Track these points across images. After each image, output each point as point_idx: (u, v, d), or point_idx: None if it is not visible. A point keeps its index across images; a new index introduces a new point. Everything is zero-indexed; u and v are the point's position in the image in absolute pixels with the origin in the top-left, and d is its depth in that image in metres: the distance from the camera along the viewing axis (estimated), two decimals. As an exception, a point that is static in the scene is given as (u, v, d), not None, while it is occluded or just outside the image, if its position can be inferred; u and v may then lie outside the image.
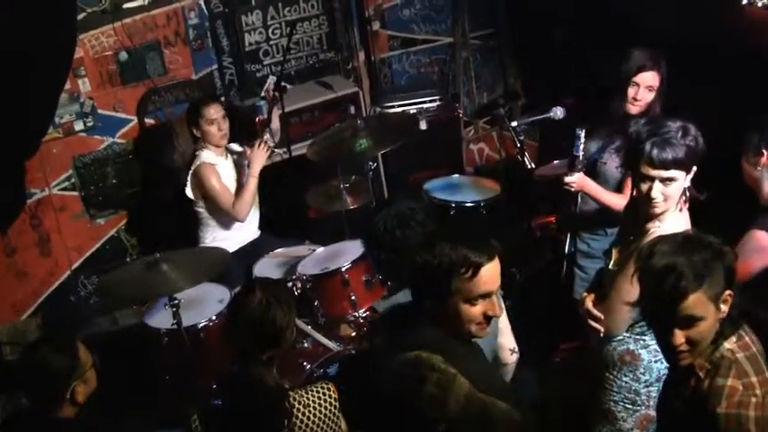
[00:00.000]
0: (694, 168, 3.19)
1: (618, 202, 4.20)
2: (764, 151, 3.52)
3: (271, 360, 3.13)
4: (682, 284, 2.42)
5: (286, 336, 3.14)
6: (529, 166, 4.74)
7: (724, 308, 2.51)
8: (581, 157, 4.20)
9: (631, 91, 4.30)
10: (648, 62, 4.29)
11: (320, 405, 3.11)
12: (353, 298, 4.58)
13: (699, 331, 2.48)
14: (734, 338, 2.54)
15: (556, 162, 5.58)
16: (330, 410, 3.13)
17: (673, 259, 2.46)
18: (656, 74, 4.30)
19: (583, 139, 4.18)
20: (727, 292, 2.50)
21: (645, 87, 4.29)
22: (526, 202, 4.95)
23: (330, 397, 3.14)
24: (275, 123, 5.57)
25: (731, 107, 4.84)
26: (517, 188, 5.42)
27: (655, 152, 3.10)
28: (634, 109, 4.33)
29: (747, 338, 2.57)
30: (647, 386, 3.37)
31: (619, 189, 4.34)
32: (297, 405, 3.07)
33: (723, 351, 2.52)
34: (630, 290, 3.10)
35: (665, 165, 3.11)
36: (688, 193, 3.24)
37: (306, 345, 4.39)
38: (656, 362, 3.35)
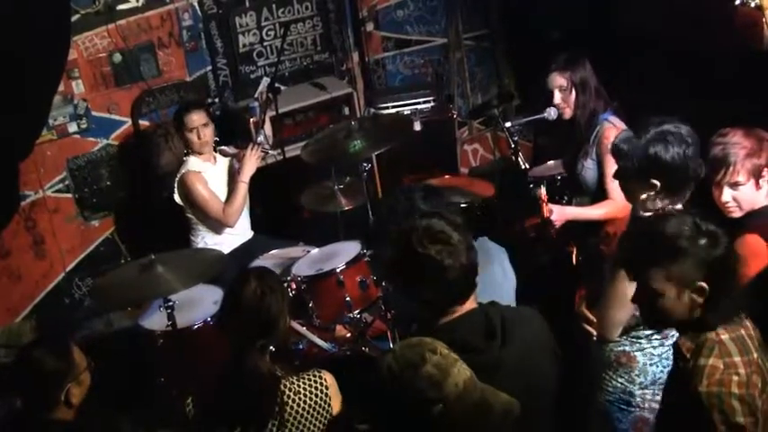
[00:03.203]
0: None
1: (601, 212, 4.30)
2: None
3: (264, 348, 3.17)
4: (651, 249, 2.54)
5: (280, 324, 3.20)
6: (523, 167, 4.75)
7: (696, 297, 2.54)
8: (546, 212, 4.24)
9: (552, 96, 4.49)
10: (552, 65, 4.48)
11: (311, 393, 3.14)
12: (348, 299, 4.58)
13: (658, 305, 2.57)
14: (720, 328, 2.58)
15: (550, 162, 5.60)
16: (321, 398, 3.16)
17: (663, 225, 2.55)
18: (559, 74, 4.46)
19: (545, 197, 4.22)
20: (700, 283, 2.52)
21: (556, 89, 4.47)
22: (520, 203, 4.94)
23: (321, 385, 3.17)
24: (267, 129, 5.57)
25: (726, 107, 4.86)
26: (511, 189, 5.42)
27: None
28: (565, 113, 4.51)
29: (740, 324, 2.59)
30: (641, 388, 3.38)
31: (597, 191, 4.39)
32: (288, 392, 3.11)
33: (708, 334, 2.56)
34: (622, 294, 3.14)
35: None
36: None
37: (301, 346, 4.39)
38: (651, 365, 3.36)
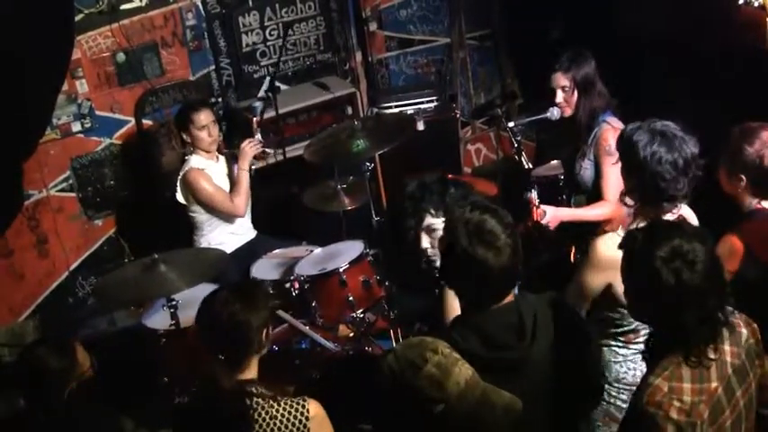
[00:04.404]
0: None
1: (594, 213, 4.31)
2: (743, 176, 3.54)
3: (229, 361, 3.07)
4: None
5: (243, 336, 3.05)
6: (526, 166, 4.75)
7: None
8: (536, 216, 4.22)
9: (554, 94, 4.50)
10: (556, 65, 4.49)
11: (288, 420, 2.99)
12: (351, 298, 4.58)
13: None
14: None
15: (553, 162, 5.59)
16: (298, 427, 3.00)
17: (678, 241, 2.46)
18: (563, 74, 4.46)
19: (535, 201, 4.21)
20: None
21: (559, 89, 4.48)
22: (523, 203, 4.95)
23: (302, 414, 3.01)
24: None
25: (727, 105, 4.86)
26: (514, 188, 5.42)
27: None
28: (565, 112, 4.53)
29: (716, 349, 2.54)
30: (606, 383, 3.37)
31: (594, 191, 4.39)
32: (263, 414, 2.98)
33: (672, 355, 2.51)
34: (583, 286, 3.26)
35: None
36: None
37: (303, 346, 4.39)
38: (615, 363, 3.37)
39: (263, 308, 3.14)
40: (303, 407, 3.02)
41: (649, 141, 3.17)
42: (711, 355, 2.48)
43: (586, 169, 4.42)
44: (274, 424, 2.97)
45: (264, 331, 3.11)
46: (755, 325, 2.68)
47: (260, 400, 3.00)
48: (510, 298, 2.84)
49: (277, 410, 2.99)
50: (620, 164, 3.35)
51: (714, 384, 2.49)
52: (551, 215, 4.26)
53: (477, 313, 2.81)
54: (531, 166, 4.81)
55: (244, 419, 2.96)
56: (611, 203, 4.21)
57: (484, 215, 2.77)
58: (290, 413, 3.00)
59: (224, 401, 2.99)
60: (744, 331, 2.62)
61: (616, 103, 4.52)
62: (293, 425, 2.99)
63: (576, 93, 4.44)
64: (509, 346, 2.72)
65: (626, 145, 3.25)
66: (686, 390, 2.45)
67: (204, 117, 5.18)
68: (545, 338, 2.78)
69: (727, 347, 2.56)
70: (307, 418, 3.01)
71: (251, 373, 3.10)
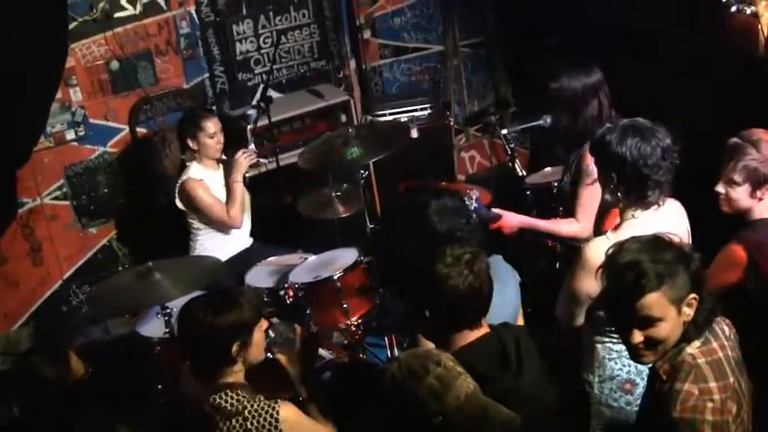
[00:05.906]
0: None
1: (562, 228, 4.18)
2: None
3: (200, 366, 3.13)
4: (641, 282, 2.47)
5: (210, 342, 3.08)
6: (520, 174, 4.76)
7: (688, 311, 2.53)
8: (475, 217, 3.76)
9: None
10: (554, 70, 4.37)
11: (257, 422, 3.01)
12: (346, 306, 4.59)
13: (658, 332, 2.51)
14: (698, 343, 2.56)
15: (547, 169, 5.60)
16: (269, 429, 3.02)
17: (637, 257, 2.50)
18: (551, 82, 4.34)
19: (473, 204, 3.77)
20: (692, 295, 2.52)
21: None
22: (517, 210, 4.97)
23: (272, 417, 3.02)
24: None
25: (722, 112, 4.88)
26: (508, 195, 5.43)
27: None
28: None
29: (715, 344, 2.58)
30: (600, 381, 3.33)
31: (572, 206, 4.34)
32: (238, 412, 3.02)
33: (684, 356, 2.54)
34: (573, 290, 3.28)
35: None
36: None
37: (298, 353, 4.39)
38: (609, 360, 3.30)
39: (235, 314, 3.13)
40: (273, 409, 3.04)
41: (623, 137, 3.20)
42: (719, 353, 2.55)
43: (568, 183, 4.36)
44: (248, 424, 3.00)
45: (239, 336, 3.12)
46: (728, 320, 2.72)
47: (228, 402, 3.02)
48: (485, 329, 2.82)
49: (249, 412, 3.02)
50: (595, 185, 3.35)
51: (731, 379, 2.53)
52: (509, 220, 4.12)
53: (454, 345, 2.78)
54: (524, 174, 4.82)
55: (207, 421, 3.00)
56: (579, 224, 4.09)
57: (442, 246, 2.82)
58: (260, 415, 3.02)
59: (189, 404, 3.05)
60: (725, 327, 2.67)
61: (616, 117, 4.47)
62: (263, 427, 3.01)
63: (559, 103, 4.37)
64: (494, 378, 2.69)
65: (599, 148, 3.28)
66: (714, 389, 2.48)
67: (213, 124, 5.21)
68: (533, 364, 2.76)
69: (725, 343, 2.61)
70: (277, 420, 3.03)
71: (231, 377, 3.12)
